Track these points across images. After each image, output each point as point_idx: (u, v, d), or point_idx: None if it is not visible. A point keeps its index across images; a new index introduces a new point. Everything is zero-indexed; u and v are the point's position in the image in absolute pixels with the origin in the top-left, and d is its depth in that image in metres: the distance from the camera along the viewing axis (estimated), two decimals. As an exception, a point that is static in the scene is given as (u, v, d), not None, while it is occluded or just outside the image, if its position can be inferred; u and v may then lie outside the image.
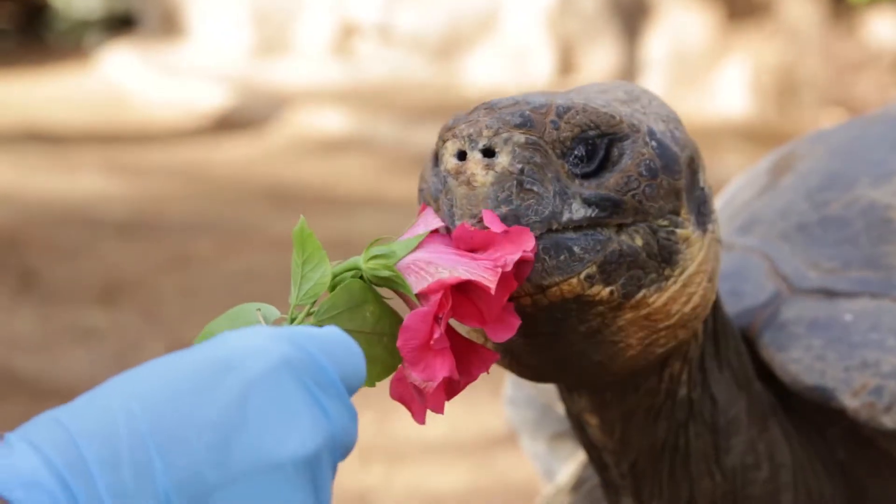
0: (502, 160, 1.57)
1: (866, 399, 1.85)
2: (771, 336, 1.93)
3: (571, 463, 2.23)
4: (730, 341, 1.87)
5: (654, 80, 10.42)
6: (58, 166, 9.12)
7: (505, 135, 1.58)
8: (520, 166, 1.58)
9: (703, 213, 1.73)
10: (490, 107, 1.62)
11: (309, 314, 1.51)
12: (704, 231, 1.72)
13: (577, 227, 1.61)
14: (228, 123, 10.52)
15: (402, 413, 1.65)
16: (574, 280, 1.60)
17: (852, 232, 1.99)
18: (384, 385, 1.56)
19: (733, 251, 2.02)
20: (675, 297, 1.67)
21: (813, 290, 1.94)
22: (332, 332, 1.40)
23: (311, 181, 8.71)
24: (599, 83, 1.79)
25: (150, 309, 6.18)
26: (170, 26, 13.18)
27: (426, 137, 9.61)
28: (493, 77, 11.15)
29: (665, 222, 1.66)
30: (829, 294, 1.94)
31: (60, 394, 5.16)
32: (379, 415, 4.83)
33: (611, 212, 1.62)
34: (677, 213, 1.67)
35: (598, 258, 1.61)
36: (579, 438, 1.89)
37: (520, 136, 1.59)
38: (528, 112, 1.60)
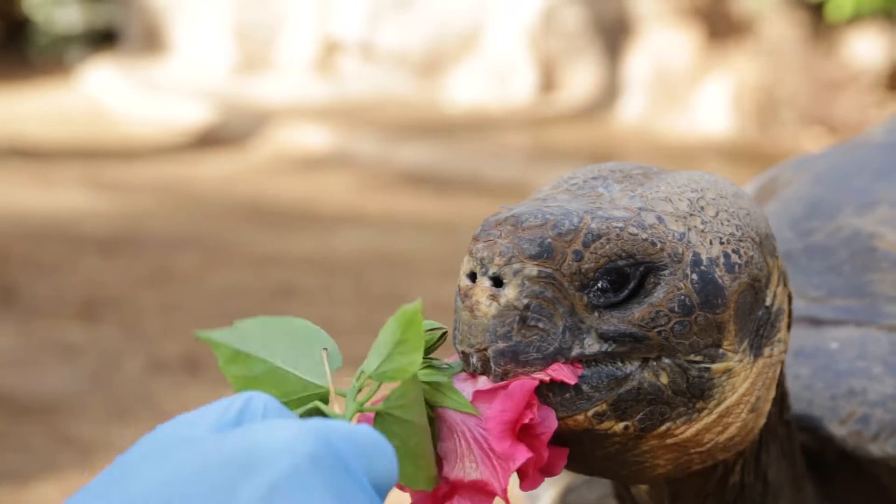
0: (509, 293, 1.45)
1: (853, 428, 1.85)
2: None
3: (554, 489, 2.23)
4: (785, 417, 1.77)
5: (636, 98, 10.46)
6: (39, 182, 9.11)
7: (516, 265, 1.46)
8: (526, 301, 1.45)
9: (762, 335, 1.60)
10: (515, 223, 1.49)
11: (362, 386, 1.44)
12: (758, 355, 1.59)
13: (591, 360, 1.49)
14: (210, 140, 10.52)
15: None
16: (580, 417, 1.49)
17: (837, 260, 1.99)
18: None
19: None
20: (708, 427, 1.56)
21: (799, 319, 1.94)
22: (366, 431, 1.34)
23: (292, 198, 8.71)
24: (686, 175, 1.62)
25: (131, 325, 6.17)
26: (152, 42, 13.17)
27: (408, 154, 9.62)
28: (475, 94, 11.17)
29: (698, 358, 1.52)
30: (816, 322, 1.95)
31: (40, 410, 5.14)
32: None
33: (630, 347, 1.49)
34: (717, 346, 1.54)
35: (609, 397, 1.50)
36: (616, 494, 1.81)
37: (532, 269, 1.46)
38: (548, 240, 1.47)
